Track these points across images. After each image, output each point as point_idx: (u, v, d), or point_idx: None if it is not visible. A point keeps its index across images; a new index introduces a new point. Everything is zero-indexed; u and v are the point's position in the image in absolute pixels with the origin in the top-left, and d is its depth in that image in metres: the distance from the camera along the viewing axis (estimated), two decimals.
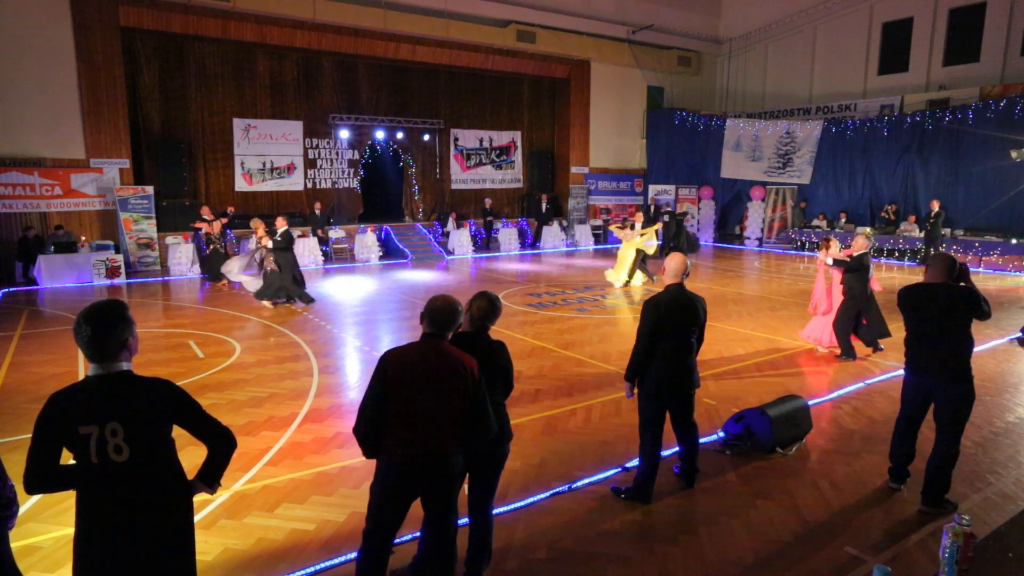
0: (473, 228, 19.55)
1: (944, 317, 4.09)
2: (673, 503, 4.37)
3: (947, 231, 16.08)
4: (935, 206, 15.32)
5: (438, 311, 2.99)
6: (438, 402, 2.85)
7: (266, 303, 10.66)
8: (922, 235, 16.01)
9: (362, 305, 11.26)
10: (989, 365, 7.53)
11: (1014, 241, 15.07)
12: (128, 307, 2.35)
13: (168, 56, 15.86)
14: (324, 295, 12.08)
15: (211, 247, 13.10)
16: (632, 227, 13.14)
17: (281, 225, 10.71)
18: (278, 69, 17.31)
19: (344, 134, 18.26)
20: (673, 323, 4.18)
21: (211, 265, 13.07)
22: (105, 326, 2.23)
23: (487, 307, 3.34)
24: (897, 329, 9.24)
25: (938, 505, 4.22)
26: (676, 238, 17.05)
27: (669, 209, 17.08)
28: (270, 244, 10.57)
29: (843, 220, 18.62)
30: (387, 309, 10.92)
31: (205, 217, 13.83)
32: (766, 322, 9.78)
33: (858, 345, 7.82)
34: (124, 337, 2.27)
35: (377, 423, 2.85)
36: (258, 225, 11.34)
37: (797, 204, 20.18)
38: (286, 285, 10.68)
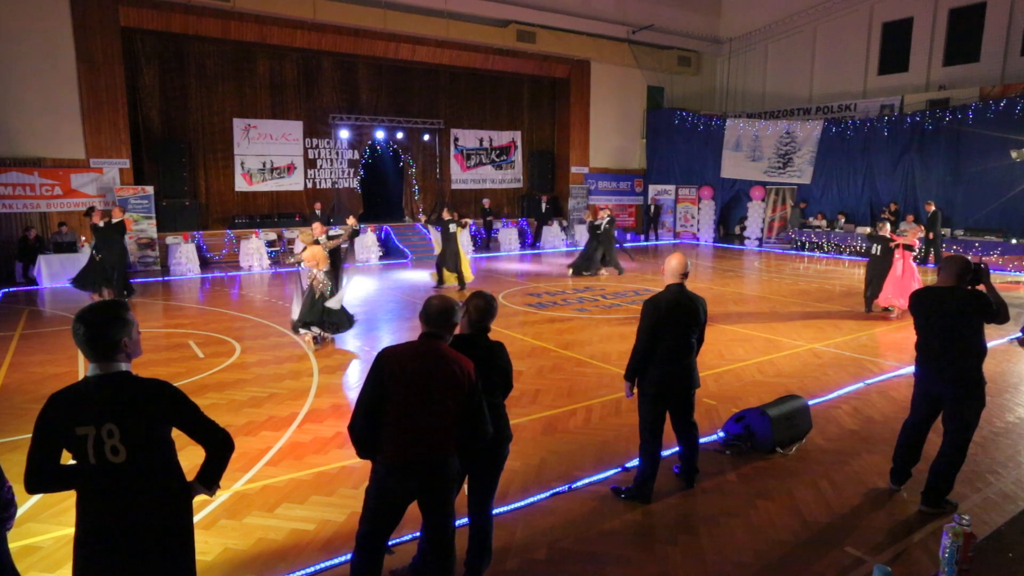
0: (473, 228, 19.55)
1: (953, 322, 3.99)
2: (673, 503, 4.37)
3: (947, 231, 16.08)
4: (930, 207, 15.36)
5: (435, 310, 2.99)
6: (434, 403, 2.84)
7: (309, 335, 8.38)
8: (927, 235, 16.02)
9: (362, 305, 11.25)
10: (989, 365, 7.39)
11: (1014, 241, 15.07)
12: (127, 307, 2.33)
13: (168, 56, 15.86)
14: None
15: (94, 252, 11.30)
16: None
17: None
18: (278, 69, 17.31)
19: (344, 134, 18.26)
20: (673, 323, 4.18)
21: (88, 272, 11.28)
22: (98, 325, 2.23)
23: (484, 307, 3.33)
24: (896, 329, 9.28)
25: (938, 506, 4.20)
26: (594, 250, 14.29)
27: (597, 222, 14.25)
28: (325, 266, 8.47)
29: (842, 220, 18.64)
30: (387, 309, 10.91)
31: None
32: (766, 322, 9.78)
33: None
34: (118, 337, 2.25)
35: (372, 422, 2.84)
36: (309, 238, 8.85)
37: (797, 204, 20.18)
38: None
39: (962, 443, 4.07)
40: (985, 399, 4.06)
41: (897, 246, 9.94)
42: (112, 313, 2.27)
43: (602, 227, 14.14)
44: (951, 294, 4.03)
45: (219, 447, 2.42)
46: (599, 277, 14.10)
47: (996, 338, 8.70)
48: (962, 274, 4.04)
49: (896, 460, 4.49)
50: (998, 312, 3.94)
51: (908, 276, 9.91)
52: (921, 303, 4.18)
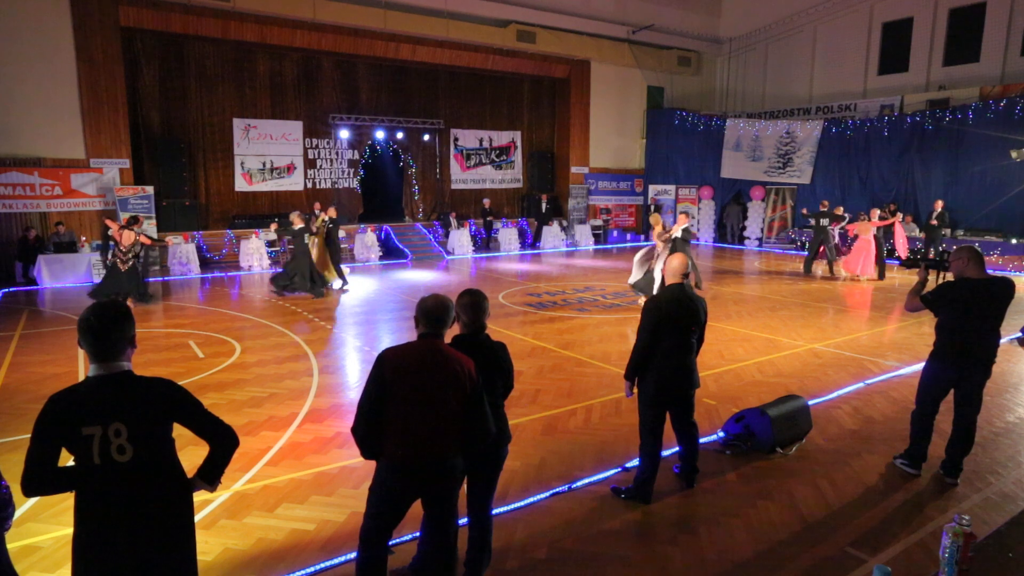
0: (473, 228, 19.55)
1: (994, 310, 4.39)
2: (673, 503, 4.37)
3: (947, 231, 16.08)
4: (938, 206, 15.34)
5: (432, 309, 2.96)
6: (436, 403, 2.84)
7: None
8: (922, 235, 16.01)
9: (362, 305, 11.25)
10: None
11: (1014, 241, 15.07)
12: (128, 306, 2.37)
13: (168, 56, 15.86)
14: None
15: (114, 259, 10.43)
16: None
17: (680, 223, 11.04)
18: (278, 69, 17.31)
19: (344, 134, 18.26)
20: (673, 323, 4.18)
21: (108, 281, 10.40)
22: (111, 323, 2.25)
23: (471, 302, 3.27)
24: (896, 329, 9.27)
25: (958, 476, 4.60)
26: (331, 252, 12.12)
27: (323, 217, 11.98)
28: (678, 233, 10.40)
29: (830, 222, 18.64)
30: (387, 309, 10.91)
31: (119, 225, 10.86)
32: (766, 322, 9.78)
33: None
34: (130, 334, 2.31)
35: (375, 423, 2.84)
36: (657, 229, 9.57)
37: (796, 205, 20.21)
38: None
39: (976, 412, 4.50)
40: None
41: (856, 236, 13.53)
42: (122, 310, 2.31)
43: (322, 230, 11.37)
44: (991, 283, 4.38)
45: (225, 443, 2.44)
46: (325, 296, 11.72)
47: None
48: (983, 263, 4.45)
49: (921, 447, 4.73)
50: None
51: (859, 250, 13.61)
52: (961, 296, 4.40)
